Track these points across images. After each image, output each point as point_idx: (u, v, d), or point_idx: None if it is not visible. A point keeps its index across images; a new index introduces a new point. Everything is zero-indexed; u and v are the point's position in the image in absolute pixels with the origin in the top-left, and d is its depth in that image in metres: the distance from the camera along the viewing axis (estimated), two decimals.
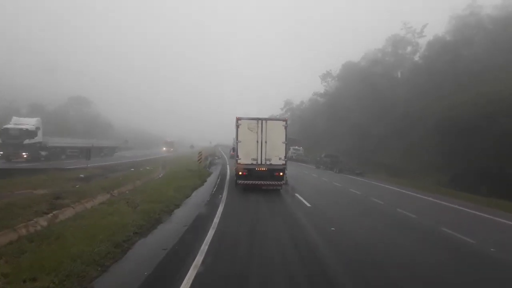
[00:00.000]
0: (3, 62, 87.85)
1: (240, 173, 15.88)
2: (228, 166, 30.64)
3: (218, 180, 20.88)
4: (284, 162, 15.93)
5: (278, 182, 16.14)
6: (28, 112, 68.61)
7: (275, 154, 15.74)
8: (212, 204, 12.66)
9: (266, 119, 16.12)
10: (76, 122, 75.19)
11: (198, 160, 26.25)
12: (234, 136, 16.16)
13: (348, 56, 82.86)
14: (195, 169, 24.99)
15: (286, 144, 15.98)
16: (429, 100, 37.81)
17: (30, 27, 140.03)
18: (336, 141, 53.88)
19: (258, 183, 15.86)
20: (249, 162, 15.75)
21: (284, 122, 16.22)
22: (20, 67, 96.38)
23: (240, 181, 15.98)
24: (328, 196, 16.98)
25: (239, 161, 15.83)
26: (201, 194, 15.28)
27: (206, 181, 20.11)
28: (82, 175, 19.94)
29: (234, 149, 16.66)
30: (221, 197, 14.21)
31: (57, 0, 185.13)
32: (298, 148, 52.73)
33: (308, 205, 13.22)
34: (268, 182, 16.02)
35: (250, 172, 15.80)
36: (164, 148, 70.17)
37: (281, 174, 15.96)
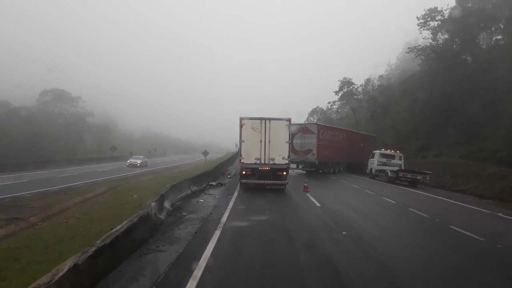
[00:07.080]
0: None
1: (244, 172, 16.14)
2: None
3: None
4: (287, 161, 16.12)
5: (282, 182, 16.33)
6: None
7: (279, 153, 15.87)
8: None
9: (269, 119, 16.08)
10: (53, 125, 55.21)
11: None
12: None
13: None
14: None
15: (289, 144, 16.28)
16: None
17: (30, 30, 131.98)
18: (465, 138, 28.61)
19: (261, 183, 16.08)
20: (253, 161, 15.91)
21: (288, 122, 16.26)
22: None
23: (244, 180, 16.26)
24: None
25: (242, 160, 16.08)
26: None
27: None
28: None
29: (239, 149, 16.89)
30: None
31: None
32: (392, 154, 27.39)
33: None
34: (271, 182, 16.22)
35: (254, 171, 16.02)
36: None
37: (284, 173, 16.13)
